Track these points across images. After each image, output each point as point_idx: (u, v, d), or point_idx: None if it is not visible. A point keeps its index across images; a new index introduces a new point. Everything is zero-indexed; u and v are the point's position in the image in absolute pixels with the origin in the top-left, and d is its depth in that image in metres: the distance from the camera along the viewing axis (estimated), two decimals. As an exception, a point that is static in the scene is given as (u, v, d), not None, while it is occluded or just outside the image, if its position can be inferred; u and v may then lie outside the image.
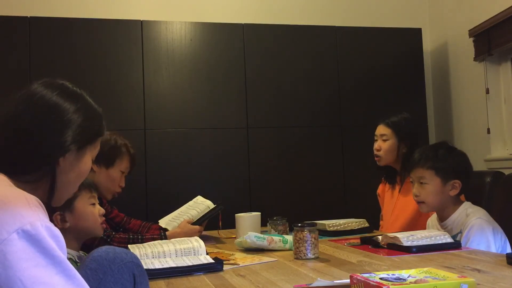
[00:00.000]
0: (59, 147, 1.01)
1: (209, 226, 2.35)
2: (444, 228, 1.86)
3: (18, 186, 0.94)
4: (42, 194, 0.99)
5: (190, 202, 2.37)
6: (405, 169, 2.27)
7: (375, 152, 2.36)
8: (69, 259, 1.48)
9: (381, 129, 2.36)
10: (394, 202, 2.35)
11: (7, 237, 0.77)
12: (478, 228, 1.72)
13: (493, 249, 1.68)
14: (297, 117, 3.34)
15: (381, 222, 2.49)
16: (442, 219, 1.88)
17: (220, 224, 2.32)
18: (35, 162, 0.99)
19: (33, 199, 0.86)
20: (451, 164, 1.84)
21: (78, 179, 1.10)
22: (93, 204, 1.68)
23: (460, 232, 1.78)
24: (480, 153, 3.40)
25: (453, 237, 1.76)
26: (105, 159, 2.07)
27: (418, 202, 1.88)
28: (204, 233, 2.29)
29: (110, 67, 3.07)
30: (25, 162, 0.98)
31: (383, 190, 2.49)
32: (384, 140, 2.33)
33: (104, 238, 1.88)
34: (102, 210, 1.72)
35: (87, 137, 1.07)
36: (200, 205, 2.30)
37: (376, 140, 2.37)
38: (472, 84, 3.53)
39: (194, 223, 2.16)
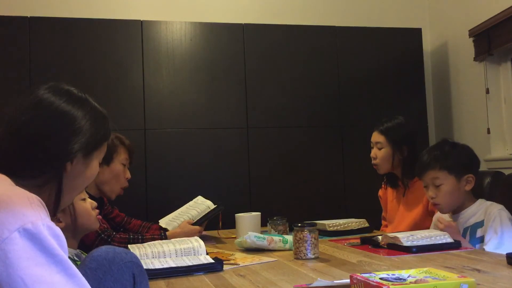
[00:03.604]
0: (66, 153, 1.01)
1: (209, 226, 2.36)
2: (455, 220, 1.86)
3: None
4: (47, 199, 0.99)
5: (191, 202, 2.37)
6: (406, 174, 2.24)
7: (372, 161, 2.31)
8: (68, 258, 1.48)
9: (376, 137, 2.30)
10: (398, 205, 2.32)
11: (9, 235, 0.77)
12: (508, 217, 1.74)
13: None
14: (297, 117, 3.34)
15: (383, 222, 2.48)
16: (455, 212, 1.88)
17: (220, 224, 2.33)
18: (41, 168, 0.99)
19: (35, 199, 0.86)
20: (461, 159, 1.86)
21: (84, 184, 1.10)
22: (83, 199, 1.68)
23: (481, 223, 1.78)
24: (480, 153, 3.35)
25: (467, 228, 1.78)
26: (103, 158, 2.09)
27: (435, 204, 1.87)
28: (204, 233, 2.30)
29: (110, 67, 3.07)
30: (31, 167, 0.98)
31: (385, 193, 2.46)
32: (379, 148, 2.27)
33: (104, 238, 1.88)
34: (94, 203, 1.72)
35: (94, 143, 1.07)
36: (200, 205, 2.30)
37: (372, 148, 2.32)
38: (472, 84, 3.53)
39: (194, 223, 2.17)
